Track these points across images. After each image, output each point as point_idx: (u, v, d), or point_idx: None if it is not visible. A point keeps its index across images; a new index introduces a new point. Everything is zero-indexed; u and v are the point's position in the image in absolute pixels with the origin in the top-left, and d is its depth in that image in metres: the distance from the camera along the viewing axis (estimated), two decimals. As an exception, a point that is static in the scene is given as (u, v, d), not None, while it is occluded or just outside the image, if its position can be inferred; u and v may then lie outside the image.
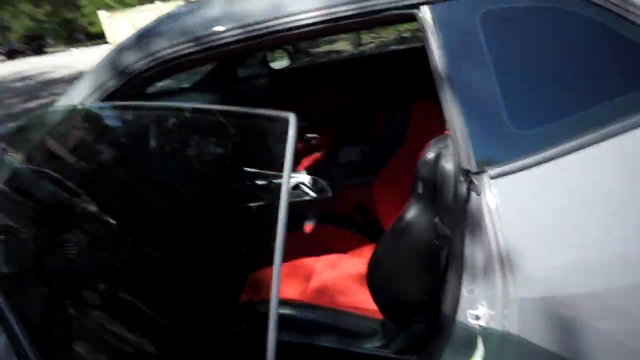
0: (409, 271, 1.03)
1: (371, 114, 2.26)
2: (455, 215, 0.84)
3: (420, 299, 1.02)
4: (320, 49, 6.81)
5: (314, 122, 2.36)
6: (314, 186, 1.74)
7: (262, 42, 0.89)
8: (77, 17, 31.15)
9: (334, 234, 1.60)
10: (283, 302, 1.30)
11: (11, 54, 30.48)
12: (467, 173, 0.79)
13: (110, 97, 0.93)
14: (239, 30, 0.87)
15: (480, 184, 0.78)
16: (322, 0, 0.85)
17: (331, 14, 0.84)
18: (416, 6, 0.82)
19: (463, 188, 0.80)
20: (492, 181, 0.77)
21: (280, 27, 0.86)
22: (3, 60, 28.29)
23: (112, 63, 0.92)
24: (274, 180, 1.28)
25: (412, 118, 1.53)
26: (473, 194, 0.80)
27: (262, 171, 1.32)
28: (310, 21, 0.85)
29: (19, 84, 12.96)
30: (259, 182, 1.33)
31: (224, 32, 0.87)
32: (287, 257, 1.48)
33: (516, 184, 0.77)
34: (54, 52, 29.67)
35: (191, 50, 0.89)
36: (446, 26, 0.81)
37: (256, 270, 1.44)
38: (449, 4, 0.81)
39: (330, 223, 1.65)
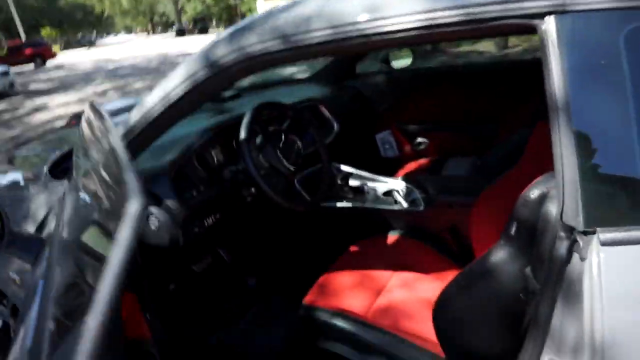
0: (483, 322, 0.88)
1: (494, 126, 2.03)
2: (549, 273, 0.68)
3: (491, 356, 0.87)
4: (460, 49, 6.41)
5: (427, 126, 2.22)
6: (408, 196, 1.62)
7: (352, 45, 0.82)
8: (237, 4, 34.94)
9: (417, 250, 1.48)
10: (344, 315, 1.24)
11: (180, 33, 36.00)
12: (571, 230, 0.63)
13: (198, 87, 0.95)
14: (329, 31, 0.81)
15: (586, 247, 0.61)
16: (421, 4, 0.74)
17: (430, 19, 0.73)
18: (540, 16, 0.66)
19: (563, 246, 0.64)
20: (603, 248, 0.60)
21: (372, 31, 0.77)
22: (172, 37, 33.08)
23: (206, 54, 0.93)
24: None
25: (531, 141, 1.32)
26: (575, 256, 0.63)
27: None
28: (405, 26, 0.75)
29: (180, 59, 14.70)
30: None
31: (312, 31, 0.81)
32: (361, 264, 1.40)
33: (635, 257, 0.59)
34: (215, 32, 33.38)
35: (278, 48, 0.85)
36: (576, 43, 0.63)
37: (327, 272, 1.40)
38: (585, 16, 0.63)
39: (417, 238, 1.52)
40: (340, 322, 1.24)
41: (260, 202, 1.45)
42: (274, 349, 1.55)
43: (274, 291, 1.78)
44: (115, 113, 1.76)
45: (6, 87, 11.66)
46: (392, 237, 1.55)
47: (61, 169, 1.49)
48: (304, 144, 1.53)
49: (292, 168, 1.43)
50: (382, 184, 1.66)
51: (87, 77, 14.03)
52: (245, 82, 2.21)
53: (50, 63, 22.22)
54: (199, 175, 1.44)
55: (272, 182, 1.38)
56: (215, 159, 1.52)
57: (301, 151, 1.51)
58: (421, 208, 1.57)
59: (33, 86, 13.32)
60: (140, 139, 1.06)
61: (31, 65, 21.32)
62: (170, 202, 1.31)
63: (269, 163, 1.41)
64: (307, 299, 1.32)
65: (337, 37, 0.81)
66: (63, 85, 12.73)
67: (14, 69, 13.44)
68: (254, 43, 0.87)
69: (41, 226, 1.40)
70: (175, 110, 0.99)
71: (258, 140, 1.43)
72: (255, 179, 1.31)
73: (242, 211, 1.59)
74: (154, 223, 1.31)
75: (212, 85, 0.94)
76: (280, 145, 1.45)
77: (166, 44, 27.59)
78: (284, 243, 1.95)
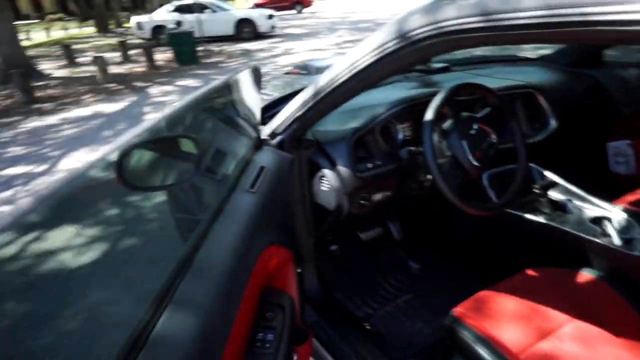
0: None
1: None
2: None
3: None
4: None
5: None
6: (624, 232, 1.27)
7: (573, 33, 0.63)
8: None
9: (612, 302, 1.16)
10: (491, 346, 1.07)
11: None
12: None
13: (387, 57, 0.89)
14: (543, 12, 0.63)
15: None
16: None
17: None
18: None
19: None
20: None
21: (603, 18, 0.57)
22: None
23: (399, 24, 0.86)
24: None
25: None
26: None
27: None
28: None
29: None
30: None
31: (522, 10, 0.65)
32: (532, 295, 1.19)
33: None
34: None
35: (477, 26, 0.72)
36: None
37: (489, 288, 1.23)
38: None
39: (616, 288, 1.19)
40: (483, 351, 1.09)
41: (437, 192, 1.34)
42: (412, 346, 1.48)
43: (431, 285, 1.68)
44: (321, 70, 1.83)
45: (268, 29, 13.58)
46: (584, 275, 1.25)
47: (269, 114, 1.63)
48: (499, 139, 1.32)
49: (476, 163, 1.25)
50: (594, 207, 1.33)
51: (331, 27, 15.21)
52: (459, 54, 2.01)
53: (306, 10, 24.81)
54: (380, 148, 1.41)
55: (449, 174, 1.24)
56: (402, 135, 1.45)
57: (494, 146, 1.31)
58: (638, 253, 1.21)
59: (288, 30, 15.17)
60: (325, 101, 1.07)
61: (293, 11, 24.20)
62: (343, 170, 1.32)
63: (452, 152, 1.26)
64: (458, 310, 1.19)
65: (553, 21, 0.63)
66: (311, 33, 14.13)
67: (278, 13, 15.52)
68: (451, 18, 0.75)
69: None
70: (362, 78, 0.96)
71: (446, 124, 1.29)
72: (429, 166, 1.20)
73: (415, 196, 1.51)
74: (325, 184, 1.35)
75: (402, 57, 0.86)
76: (470, 134, 1.28)
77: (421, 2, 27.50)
78: (454, 239, 1.80)
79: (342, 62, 0.98)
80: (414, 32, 0.81)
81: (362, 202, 1.39)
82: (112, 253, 0.74)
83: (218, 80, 1.42)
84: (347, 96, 1.06)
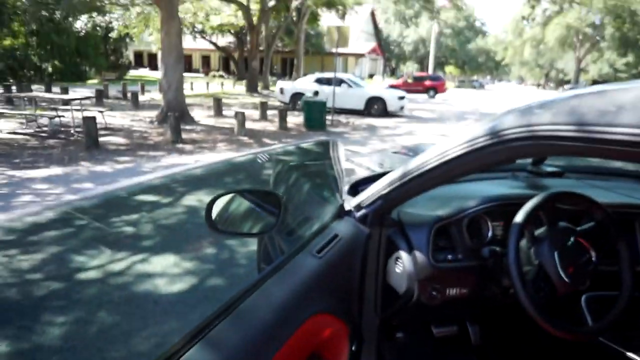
0: None
1: None
2: None
3: None
4: None
5: None
6: None
7: None
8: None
9: None
10: None
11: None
12: None
13: (475, 152, 0.88)
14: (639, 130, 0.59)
15: None
16: None
17: None
18: None
19: None
20: None
21: None
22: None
23: (493, 122, 0.86)
24: None
25: None
26: None
27: None
28: None
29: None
30: None
31: (618, 126, 0.61)
32: None
33: None
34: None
35: (569, 135, 0.68)
36: None
37: None
38: None
39: None
40: None
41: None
42: None
43: None
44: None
45: (397, 109, 14.06)
46: None
47: (357, 189, 1.66)
48: (600, 259, 1.17)
49: (566, 279, 1.11)
50: None
51: (460, 115, 15.21)
52: (579, 161, 1.87)
53: (439, 96, 25.28)
54: (464, 242, 1.34)
55: (534, 285, 1.12)
56: (491, 233, 1.36)
57: (593, 265, 1.16)
58: None
59: (416, 113, 15.52)
60: (412, 184, 1.08)
61: (425, 96, 24.86)
62: (419, 255, 1.28)
63: (540, 260, 1.14)
64: None
65: None
66: (438, 118, 14.27)
67: (410, 96, 16.05)
68: (544, 122, 0.73)
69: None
70: (449, 168, 0.97)
71: (539, 231, 1.19)
72: (510, 271, 1.10)
73: (499, 301, 1.37)
74: (399, 267, 1.32)
75: (489, 154, 0.86)
76: (565, 246, 1.15)
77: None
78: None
79: (434, 149, 1.00)
80: (506, 132, 0.81)
81: (433, 292, 1.31)
82: (169, 281, 0.81)
83: (317, 138, 1.51)
84: (434, 183, 1.06)
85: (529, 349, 1.63)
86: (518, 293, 1.09)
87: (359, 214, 1.24)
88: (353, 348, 1.19)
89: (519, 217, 1.16)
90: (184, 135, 8.71)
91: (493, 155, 0.86)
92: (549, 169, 1.70)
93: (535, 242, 1.17)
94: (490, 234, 1.36)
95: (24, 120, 9.29)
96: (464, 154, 0.91)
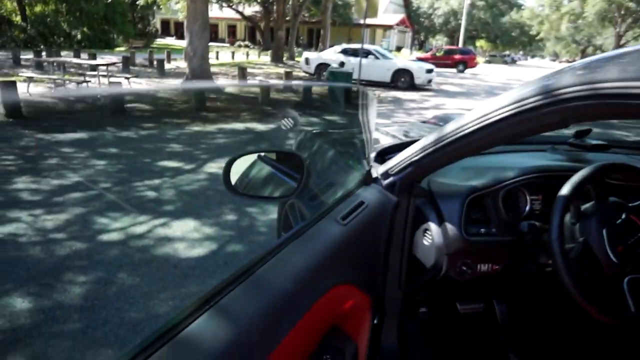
0: None
1: None
2: None
3: None
4: None
5: None
6: None
7: None
8: None
9: None
10: None
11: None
12: None
13: (523, 114, 0.79)
14: None
15: None
16: None
17: None
18: None
19: None
20: None
21: None
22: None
23: (545, 80, 0.76)
24: None
25: None
26: None
27: None
28: None
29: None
30: None
31: None
32: None
33: None
34: None
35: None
36: None
37: None
38: None
39: None
40: None
41: (558, 283, 1.13)
42: None
43: None
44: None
45: (425, 82, 13.70)
46: None
47: (385, 157, 1.58)
48: None
49: (614, 259, 1.02)
50: None
51: (490, 90, 14.72)
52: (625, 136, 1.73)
53: (468, 71, 24.51)
54: (499, 215, 1.25)
55: (577, 264, 1.03)
56: (529, 207, 1.27)
57: None
58: None
59: (444, 87, 15.10)
60: (446, 150, 0.99)
61: (453, 70, 24.14)
62: (450, 227, 1.21)
63: (585, 240, 1.05)
64: None
65: None
66: (467, 92, 13.85)
67: (438, 69, 15.61)
68: (611, 79, 0.63)
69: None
70: (492, 132, 0.87)
71: (586, 206, 1.10)
72: (552, 248, 1.02)
73: (531, 280, 1.30)
74: (427, 238, 1.25)
75: (543, 116, 0.75)
76: (615, 223, 1.06)
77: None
78: (570, 343, 1.50)
79: (474, 111, 0.90)
80: (562, 91, 0.70)
81: (464, 267, 1.25)
82: (189, 246, 0.76)
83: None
84: (472, 148, 0.97)
85: (557, 330, 1.56)
86: (560, 272, 1.01)
87: (386, 181, 1.16)
88: (375, 321, 1.15)
89: (565, 190, 1.07)
90: (208, 104, 8.69)
91: (545, 117, 0.76)
92: (594, 142, 1.58)
93: (582, 218, 1.08)
94: (528, 207, 1.27)
95: (52, 85, 9.42)
96: (510, 116, 0.80)
